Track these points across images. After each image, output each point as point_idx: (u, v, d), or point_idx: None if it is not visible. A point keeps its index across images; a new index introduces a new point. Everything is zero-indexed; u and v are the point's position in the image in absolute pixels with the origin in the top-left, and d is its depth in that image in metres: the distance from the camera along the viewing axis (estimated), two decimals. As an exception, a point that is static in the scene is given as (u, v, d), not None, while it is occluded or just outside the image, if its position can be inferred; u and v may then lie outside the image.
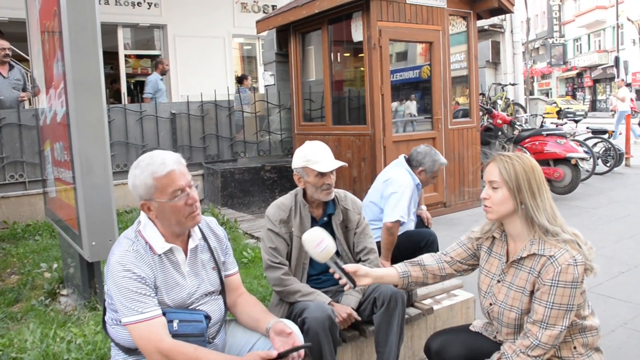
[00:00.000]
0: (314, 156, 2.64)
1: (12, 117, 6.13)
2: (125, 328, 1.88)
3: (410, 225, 3.93)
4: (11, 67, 6.34)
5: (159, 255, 1.94)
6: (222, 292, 2.16)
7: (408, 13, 6.57)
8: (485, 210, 2.06)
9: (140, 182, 1.89)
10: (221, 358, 1.91)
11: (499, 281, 2.10)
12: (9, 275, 4.41)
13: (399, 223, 3.69)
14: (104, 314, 2.02)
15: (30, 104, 6.89)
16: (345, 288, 2.10)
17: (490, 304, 2.12)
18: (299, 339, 2.04)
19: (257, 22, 8.08)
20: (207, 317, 2.01)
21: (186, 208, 1.92)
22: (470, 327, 2.32)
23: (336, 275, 2.09)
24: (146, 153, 1.97)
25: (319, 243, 2.03)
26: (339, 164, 2.65)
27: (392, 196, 3.73)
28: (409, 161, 3.93)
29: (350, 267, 2.10)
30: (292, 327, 2.09)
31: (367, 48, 6.35)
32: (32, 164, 6.14)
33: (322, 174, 2.61)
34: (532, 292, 1.97)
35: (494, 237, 2.16)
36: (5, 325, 3.27)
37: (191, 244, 2.04)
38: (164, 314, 1.91)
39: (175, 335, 1.87)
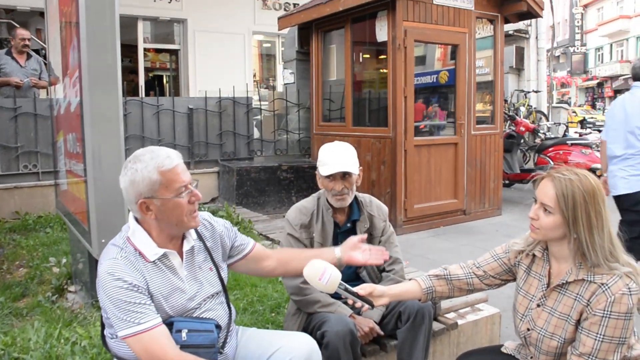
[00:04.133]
0: (325, 157, 2.50)
1: (28, 106, 6.04)
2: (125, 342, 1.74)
3: None
4: (29, 57, 6.28)
5: (153, 261, 1.79)
6: (224, 291, 2.00)
7: (435, 14, 6.37)
8: (531, 229, 1.88)
9: (144, 177, 1.74)
10: None
11: (538, 305, 1.91)
12: (17, 268, 4.31)
13: None
14: (102, 328, 1.88)
15: (47, 93, 6.82)
16: (363, 309, 1.94)
17: (528, 329, 1.93)
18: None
19: (279, 18, 7.95)
20: (218, 327, 1.86)
21: (189, 206, 1.80)
22: (502, 349, 2.14)
23: (350, 301, 1.93)
24: (141, 149, 1.82)
25: (322, 274, 1.85)
26: (343, 169, 2.46)
27: None
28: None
29: (363, 289, 1.93)
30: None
31: (392, 48, 6.17)
32: (46, 154, 6.03)
33: (329, 178, 2.47)
34: (578, 321, 1.78)
35: (534, 255, 1.97)
36: (9, 321, 3.15)
37: (186, 246, 1.89)
38: (171, 323, 1.76)
39: (183, 347, 1.72)
